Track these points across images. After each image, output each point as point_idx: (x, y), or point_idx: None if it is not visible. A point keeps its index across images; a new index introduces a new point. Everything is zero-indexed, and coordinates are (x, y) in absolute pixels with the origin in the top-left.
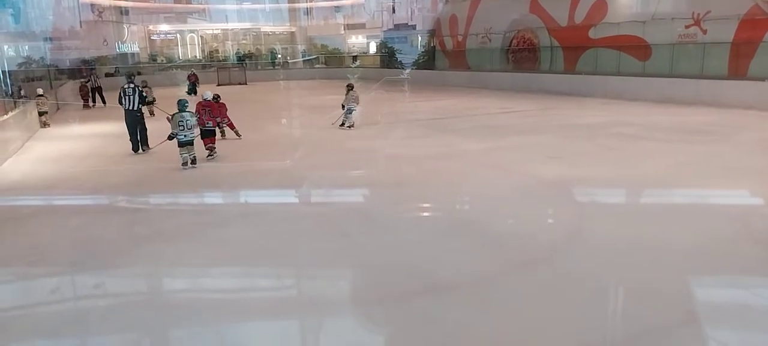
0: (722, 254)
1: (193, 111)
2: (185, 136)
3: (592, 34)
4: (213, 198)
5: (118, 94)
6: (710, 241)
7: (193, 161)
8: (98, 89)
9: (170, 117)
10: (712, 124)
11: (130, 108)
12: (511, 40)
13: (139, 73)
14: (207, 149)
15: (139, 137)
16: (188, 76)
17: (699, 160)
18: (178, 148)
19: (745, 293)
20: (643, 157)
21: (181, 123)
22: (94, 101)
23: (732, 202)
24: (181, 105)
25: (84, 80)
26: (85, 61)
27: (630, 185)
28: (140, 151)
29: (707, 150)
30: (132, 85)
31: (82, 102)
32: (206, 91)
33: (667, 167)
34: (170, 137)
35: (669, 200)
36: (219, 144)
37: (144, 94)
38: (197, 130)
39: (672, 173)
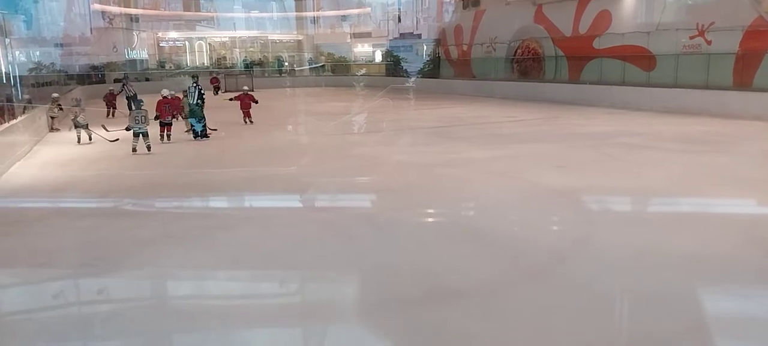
0: (727, 263)
1: (147, 109)
2: (139, 128)
3: (597, 44)
4: (219, 203)
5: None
6: (715, 250)
7: (148, 148)
8: (133, 97)
9: (129, 113)
10: (717, 135)
11: (192, 102)
12: (516, 50)
13: (147, 80)
14: (161, 136)
15: (202, 127)
16: (211, 80)
17: (704, 170)
18: (132, 137)
19: (749, 303)
20: (648, 167)
21: (136, 118)
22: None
23: (737, 211)
24: (137, 104)
25: (113, 90)
26: (94, 67)
27: (635, 194)
28: (199, 138)
29: (712, 160)
30: (194, 85)
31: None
32: (163, 89)
33: (672, 177)
34: (127, 128)
35: (674, 209)
36: (216, 148)
37: (202, 92)
38: (149, 124)
39: (677, 183)
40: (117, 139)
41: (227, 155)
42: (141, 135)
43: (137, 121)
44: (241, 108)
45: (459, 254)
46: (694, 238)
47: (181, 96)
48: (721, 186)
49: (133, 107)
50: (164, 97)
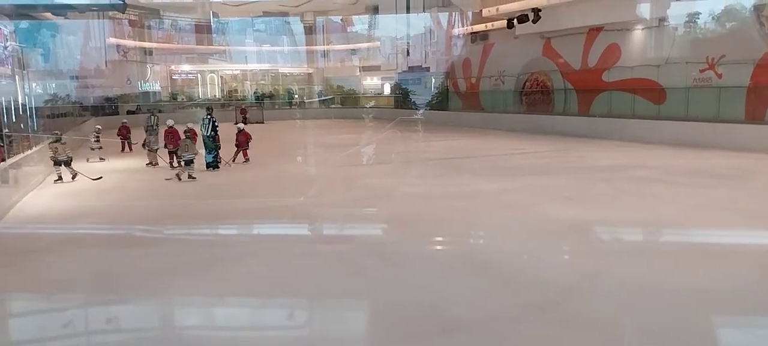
0: (739, 298)
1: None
2: (186, 155)
3: (606, 77)
4: (228, 234)
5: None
6: (729, 286)
7: (191, 176)
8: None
9: (179, 141)
10: (729, 168)
11: (206, 133)
12: (525, 83)
13: (160, 112)
14: (171, 163)
15: (212, 159)
16: (240, 111)
17: (717, 205)
18: (185, 166)
19: (763, 341)
20: (659, 201)
21: (185, 146)
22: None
23: (751, 247)
24: (186, 134)
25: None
26: (108, 99)
27: (646, 228)
28: (213, 169)
29: (725, 194)
30: (208, 116)
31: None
32: (168, 119)
33: (684, 211)
34: (178, 155)
35: (686, 244)
36: (226, 179)
37: (216, 124)
38: (198, 151)
39: (689, 217)
40: (100, 178)
41: (236, 186)
42: (189, 163)
43: (186, 150)
44: (238, 145)
45: (467, 287)
46: (707, 274)
47: (197, 128)
48: (734, 221)
49: (150, 139)
50: (169, 128)
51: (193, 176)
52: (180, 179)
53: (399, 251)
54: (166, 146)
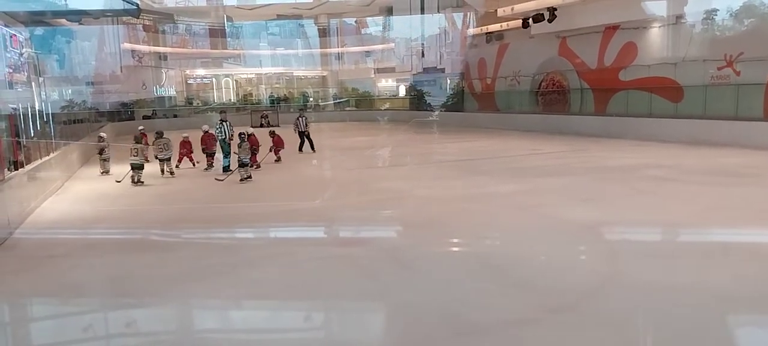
0: (758, 299)
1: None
2: (244, 158)
3: (623, 76)
4: (244, 237)
5: None
6: (750, 288)
7: (249, 177)
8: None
9: (239, 145)
10: (748, 167)
11: (222, 138)
12: (541, 83)
13: (175, 116)
14: (208, 165)
15: (225, 163)
16: (261, 116)
17: (736, 204)
18: (240, 168)
19: None
20: (677, 200)
21: (245, 149)
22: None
23: None
24: (241, 138)
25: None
26: (123, 104)
27: (664, 228)
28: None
29: (744, 193)
30: (225, 122)
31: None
32: (204, 125)
33: (703, 211)
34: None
35: (705, 244)
36: (246, 183)
37: (227, 130)
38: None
39: (708, 217)
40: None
41: (251, 189)
42: (245, 165)
43: (243, 152)
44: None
45: (483, 290)
46: (726, 275)
47: (214, 132)
48: (754, 220)
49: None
50: (206, 132)
51: (249, 176)
52: (244, 180)
53: (414, 254)
54: (203, 150)
